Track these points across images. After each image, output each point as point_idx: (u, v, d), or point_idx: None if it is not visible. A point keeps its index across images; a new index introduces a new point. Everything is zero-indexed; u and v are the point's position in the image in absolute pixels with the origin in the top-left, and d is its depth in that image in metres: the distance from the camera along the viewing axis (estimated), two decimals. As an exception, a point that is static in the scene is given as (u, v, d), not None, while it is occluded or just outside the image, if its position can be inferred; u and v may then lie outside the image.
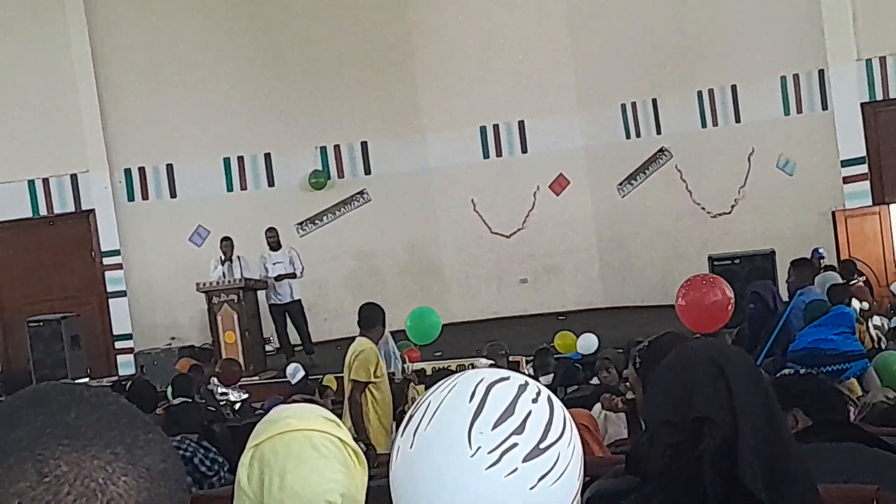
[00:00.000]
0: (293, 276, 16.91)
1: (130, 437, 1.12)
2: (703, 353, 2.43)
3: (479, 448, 1.55)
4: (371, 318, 9.82)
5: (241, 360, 15.46)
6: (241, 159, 19.43)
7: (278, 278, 16.84)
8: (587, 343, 13.36)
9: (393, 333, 12.85)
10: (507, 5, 19.75)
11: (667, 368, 2.39)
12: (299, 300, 17.13)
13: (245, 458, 2.42)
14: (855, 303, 11.60)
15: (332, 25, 19.61)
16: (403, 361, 13.09)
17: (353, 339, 17.19)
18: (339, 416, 7.49)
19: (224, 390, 12.85)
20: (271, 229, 17.26)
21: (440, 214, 20.19)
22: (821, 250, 15.53)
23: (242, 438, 2.47)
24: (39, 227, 18.57)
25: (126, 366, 18.01)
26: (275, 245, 17.13)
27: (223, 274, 16.27)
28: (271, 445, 2.38)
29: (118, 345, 18.57)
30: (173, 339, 18.25)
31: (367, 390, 9.36)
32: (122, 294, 18.68)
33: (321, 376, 14.23)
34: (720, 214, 18.21)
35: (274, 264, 16.94)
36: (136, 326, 18.66)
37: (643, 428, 2.42)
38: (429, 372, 13.51)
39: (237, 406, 12.45)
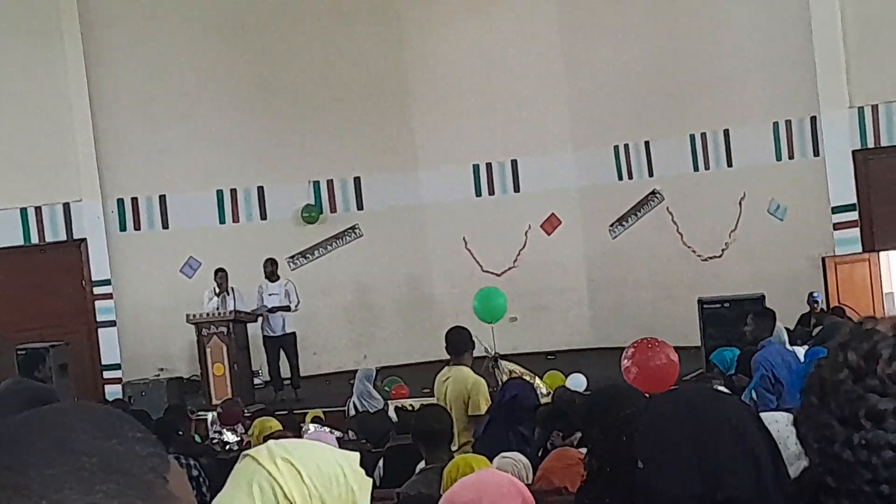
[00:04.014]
0: (287, 308, 16.90)
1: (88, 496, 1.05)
2: (722, 417, 2.32)
3: None
4: (462, 342, 9.31)
5: (229, 392, 15.43)
6: (233, 192, 19.47)
7: (272, 310, 16.81)
8: (576, 383, 13.37)
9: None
10: (502, 44, 19.86)
11: (685, 436, 2.26)
12: (293, 333, 17.09)
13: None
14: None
15: (328, 60, 19.70)
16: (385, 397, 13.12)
17: (341, 374, 17.12)
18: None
19: (219, 428, 12.77)
20: (270, 260, 17.25)
21: (432, 251, 20.23)
22: (816, 294, 15.60)
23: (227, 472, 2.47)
24: (31, 255, 18.55)
25: (114, 395, 17.93)
26: (272, 276, 17.12)
27: (217, 306, 16.26)
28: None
29: (106, 374, 18.52)
30: (162, 369, 18.22)
31: None
32: (112, 324, 18.65)
33: (306, 411, 14.17)
34: (711, 258, 18.26)
35: (269, 295, 16.92)
36: (124, 356, 18.62)
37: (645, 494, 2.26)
38: (416, 407, 13.47)
39: (227, 447, 12.34)
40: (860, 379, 1.71)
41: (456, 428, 8.80)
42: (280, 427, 9.83)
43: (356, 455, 2.47)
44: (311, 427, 11.69)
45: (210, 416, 13.97)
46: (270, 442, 2.48)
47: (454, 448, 8.30)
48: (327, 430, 11.41)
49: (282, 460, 2.36)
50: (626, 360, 10.21)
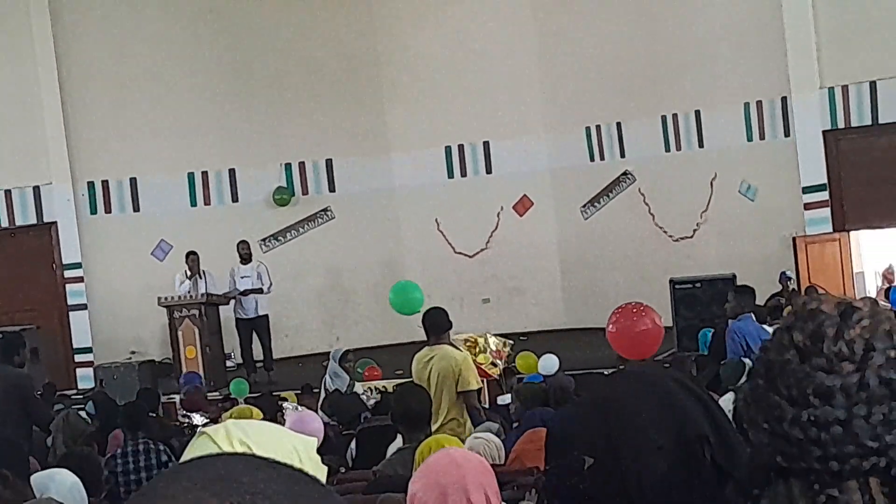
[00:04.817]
0: (259, 291, 16.87)
1: None
2: (665, 377, 2.38)
3: None
4: (441, 322, 9.32)
5: (201, 375, 15.41)
6: (205, 174, 19.39)
7: (245, 293, 16.78)
8: (548, 364, 13.39)
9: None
10: (475, 27, 19.82)
11: (638, 397, 2.30)
12: (266, 315, 17.08)
13: None
14: None
15: (300, 43, 19.63)
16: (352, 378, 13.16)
17: (314, 356, 17.08)
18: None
19: (186, 412, 12.80)
20: (243, 242, 17.23)
21: (404, 233, 20.21)
22: (788, 272, 15.68)
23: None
24: (1, 238, 18.46)
25: (85, 379, 17.91)
26: (246, 258, 17.08)
27: (189, 289, 16.22)
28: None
29: (78, 358, 18.46)
30: (133, 353, 18.17)
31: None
32: (83, 307, 18.59)
33: (279, 393, 14.17)
34: (682, 238, 18.31)
35: (242, 278, 16.88)
36: (96, 340, 18.57)
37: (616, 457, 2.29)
38: (390, 389, 13.49)
39: (196, 429, 12.34)
40: (807, 358, 1.72)
41: (444, 405, 8.86)
42: (261, 416, 9.82)
43: (314, 440, 2.46)
44: (291, 406, 11.67)
45: (178, 398, 14.01)
46: (229, 422, 2.47)
47: (438, 424, 8.35)
48: (302, 408, 11.40)
49: (238, 442, 2.35)
50: (610, 326, 10.22)
